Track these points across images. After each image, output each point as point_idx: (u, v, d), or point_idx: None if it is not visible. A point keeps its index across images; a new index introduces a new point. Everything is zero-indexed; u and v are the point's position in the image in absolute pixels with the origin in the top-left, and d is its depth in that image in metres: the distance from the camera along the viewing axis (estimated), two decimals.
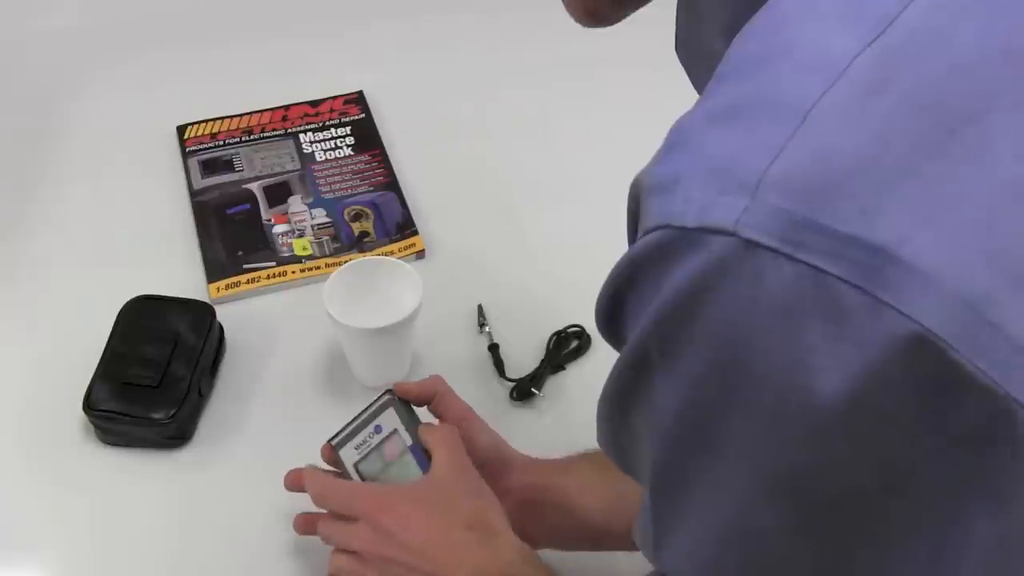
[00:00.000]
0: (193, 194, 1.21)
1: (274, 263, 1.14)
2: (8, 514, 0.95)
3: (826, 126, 0.41)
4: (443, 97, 1.33)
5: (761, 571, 0.48)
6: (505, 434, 0.89)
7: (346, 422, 0.88)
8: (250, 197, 1.20)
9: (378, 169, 1.24)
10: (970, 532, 0.43)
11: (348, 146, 1.26)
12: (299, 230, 1.17)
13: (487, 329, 1.08)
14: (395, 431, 0.85)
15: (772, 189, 0.41)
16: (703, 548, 0.50)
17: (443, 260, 1.15)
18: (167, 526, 0.94)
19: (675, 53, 0.61)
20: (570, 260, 1.07)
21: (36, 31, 1.41)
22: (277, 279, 1.12)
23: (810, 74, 0.43)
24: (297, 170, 1.23)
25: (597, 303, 0.49)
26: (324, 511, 0.84)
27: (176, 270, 1.13)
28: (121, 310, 1.04)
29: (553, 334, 1.06)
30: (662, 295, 0.44)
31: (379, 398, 0.88)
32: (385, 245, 1.15)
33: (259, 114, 1.30)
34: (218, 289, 1.11)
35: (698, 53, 0.57)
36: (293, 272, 1.13)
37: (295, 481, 0.88)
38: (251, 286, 1.12)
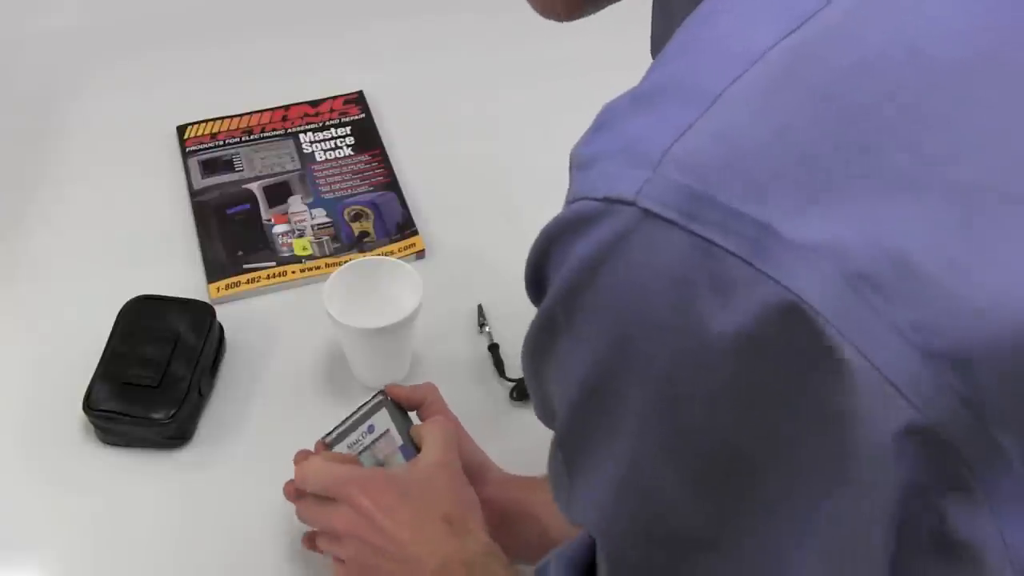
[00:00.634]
0: (193, 194, 1.21)
1: (274, 263, 1.14)
2: (8, 514, 0.95)
3: (732, 110, 0.44)
4: (443, 97, 1.33)
5: (651, 522, 0.50)
6: (505, 434, 0.89)
7: (340, 420, 0.89)
8: (250, 197, 1.20)
9: (378, 169, 1.24)
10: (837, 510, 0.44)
11: (348, 146, 1.26)
12: (299, 230, 1.17)
13: (487, 329, 1.08)
14: (387, 431, 0.86)
15: (673, 164, 0.43)
16: (604, 498, 0.52)
17: (443, 260, 1.15)
18: (167, 526, 0.94)
19: None
20: None
21: (36, 31, 1.41)
22: (277, 279, 1.12)
23: (725, 62, 0.45)
24: (297, 170, 1.23)
25: (524, 271, 0.52)
26: None
27: (176, 270, 1.13)
28: (121, 310, 1.04)
29: None
30: (569, 262, 0.47)
31: (373, 398, 0.89)
32: (385, 245, 1.15)
33: (259, 114, 1.30)
34: (218, 289, 1.11)
35: None
36: (293, 272, 1.13)
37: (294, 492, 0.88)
38: (251, 286, 1.12)
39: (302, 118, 1.29)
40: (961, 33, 0.45)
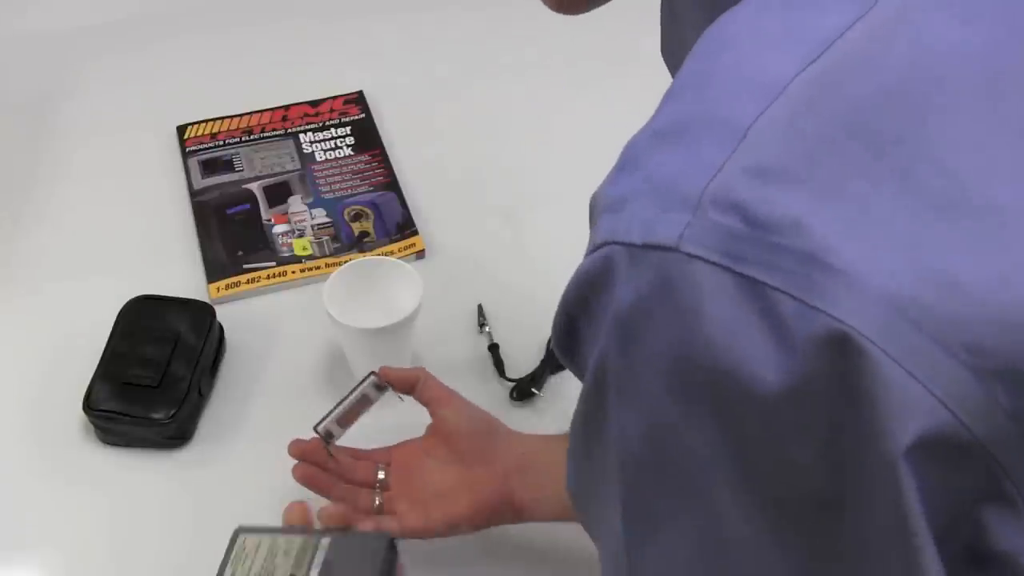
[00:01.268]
0: (193, 194, 1.21)
1: (274, 263, 1.14)
2: (8, 514, 0.95)
3: (762, 145, 0.43)
4: (443, 97, 1.33)
5: None
6: None
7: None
8: (250, 197, 1.20)
9: (378, 169, 1.24)
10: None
11: (348, 146, 1.26)
12: (299, 230, 1.17)
13: (487, 329, 1.08)
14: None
15: (712, 205, 0.43)
16: (677, 570, 0.50)
17: (443, 260, 1.15)
18: (167, 526, 0.94)
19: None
20: (570, 260, 1.06)
21: (36, 31, 1.41)
22: (277, 279, 1.12)
23: (749, 94, 0.45)
24: (297, 170, 1.23)
25: (553, 324, 0.51)
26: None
27: (176, 270, 1.13)
28: (121, 310, 1.04)
29: None
30: (612, 313, 0.46)
31: (364, 379, 0.90)
32: (385, 245, 1.15)
33: (259, 114, 1.30)
34: (218, 289, 1.11)
35: (680, 56, 0.58)
36: (293, 272, 1.13)
37: (294, 449, 0.91)
38: (251, 286, 1.12)
39: (302, 118, 1.29)
40: (975, 55, 0.45)
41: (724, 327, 0.42)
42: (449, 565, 0.90)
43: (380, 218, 1.18)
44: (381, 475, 0.90)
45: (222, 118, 1.29)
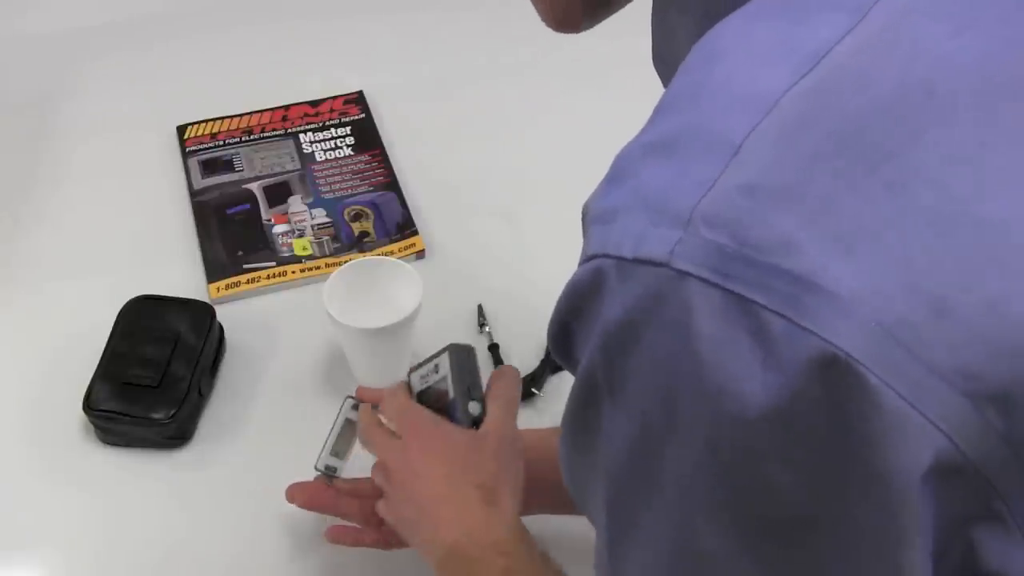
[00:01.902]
0: (193, 194, 1.21)
1: (274, 263, 1.14)
2: (8, 514, 0.95)
3: (754, 161, 0.43)
4: (443, 97, 1.33)
5: None
6: None
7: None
8: (250, 197, 1.20)
9: (378, 169, 1.24)
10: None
11: (348, 146, 1.26)
12: (299, 230, 1.17)
13: (487, 329, 1.08)
14: (444, 378, 0.85)
15: (703, 222, 0.43)
16: (654, 573, 0.51)
17: (443, 260, 1.15)
18: (167, 526, 0.94)
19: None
20: (570, 260, 1.06)
21: (35, 31, 1.41)
22: (277, 279, 1.12)
23: (742, 110, 0.44)
24: (297, 170, 1.23)
25: (548, 331, 0.51)
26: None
27: (176, 270, 1.13)
28: (121, 310, 1.04)
29: None
30: (602, 325, 0.46)
31: (341, 405, 0.90)
32: (385, 245, 1.15)
33: (259, 114, 1.30)
34: (218, 289, 1.11)
35: (672, 65, 0.58)
36: (293, 272, 1.13)
37: (296, 495, 0.89)
38: (251, 286, 1.12)
39: (302, 118, 1.29)
40: (968, 68, 0.45)
41: (713, 344, 0.42)
42: None
43: (380, 218, 1.18)
44: None
45: (222, 118, 1.29)
